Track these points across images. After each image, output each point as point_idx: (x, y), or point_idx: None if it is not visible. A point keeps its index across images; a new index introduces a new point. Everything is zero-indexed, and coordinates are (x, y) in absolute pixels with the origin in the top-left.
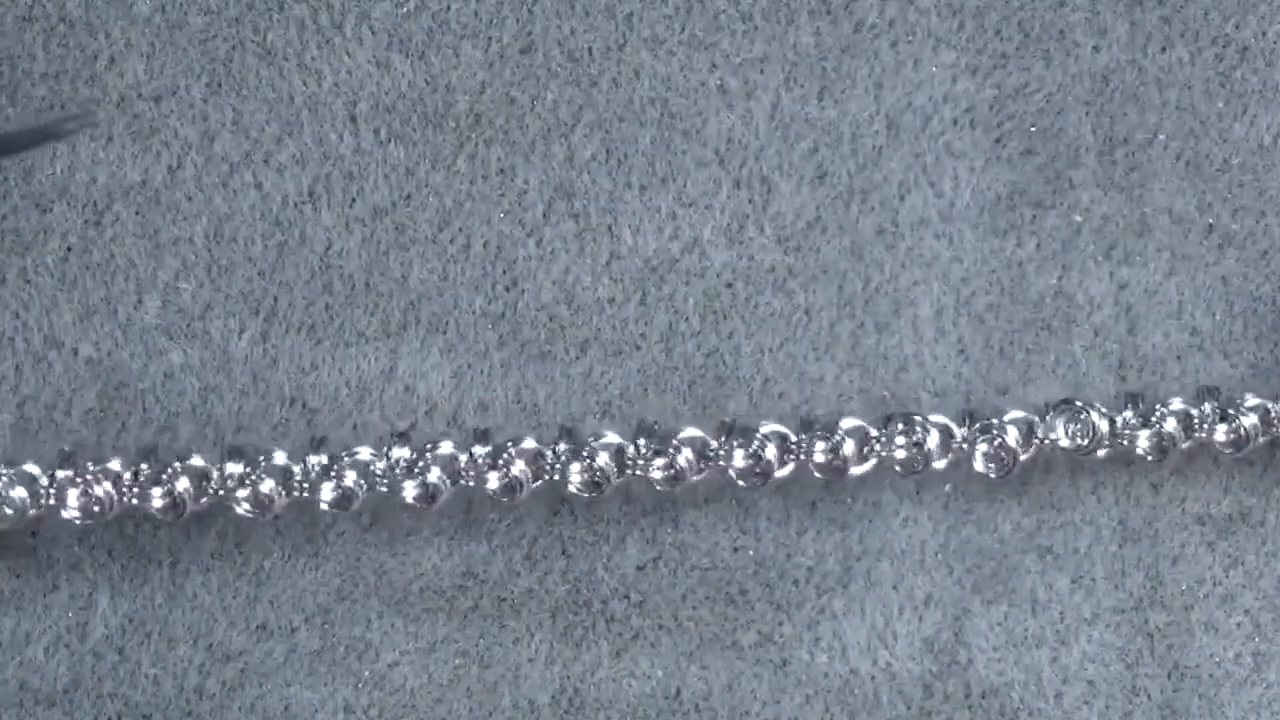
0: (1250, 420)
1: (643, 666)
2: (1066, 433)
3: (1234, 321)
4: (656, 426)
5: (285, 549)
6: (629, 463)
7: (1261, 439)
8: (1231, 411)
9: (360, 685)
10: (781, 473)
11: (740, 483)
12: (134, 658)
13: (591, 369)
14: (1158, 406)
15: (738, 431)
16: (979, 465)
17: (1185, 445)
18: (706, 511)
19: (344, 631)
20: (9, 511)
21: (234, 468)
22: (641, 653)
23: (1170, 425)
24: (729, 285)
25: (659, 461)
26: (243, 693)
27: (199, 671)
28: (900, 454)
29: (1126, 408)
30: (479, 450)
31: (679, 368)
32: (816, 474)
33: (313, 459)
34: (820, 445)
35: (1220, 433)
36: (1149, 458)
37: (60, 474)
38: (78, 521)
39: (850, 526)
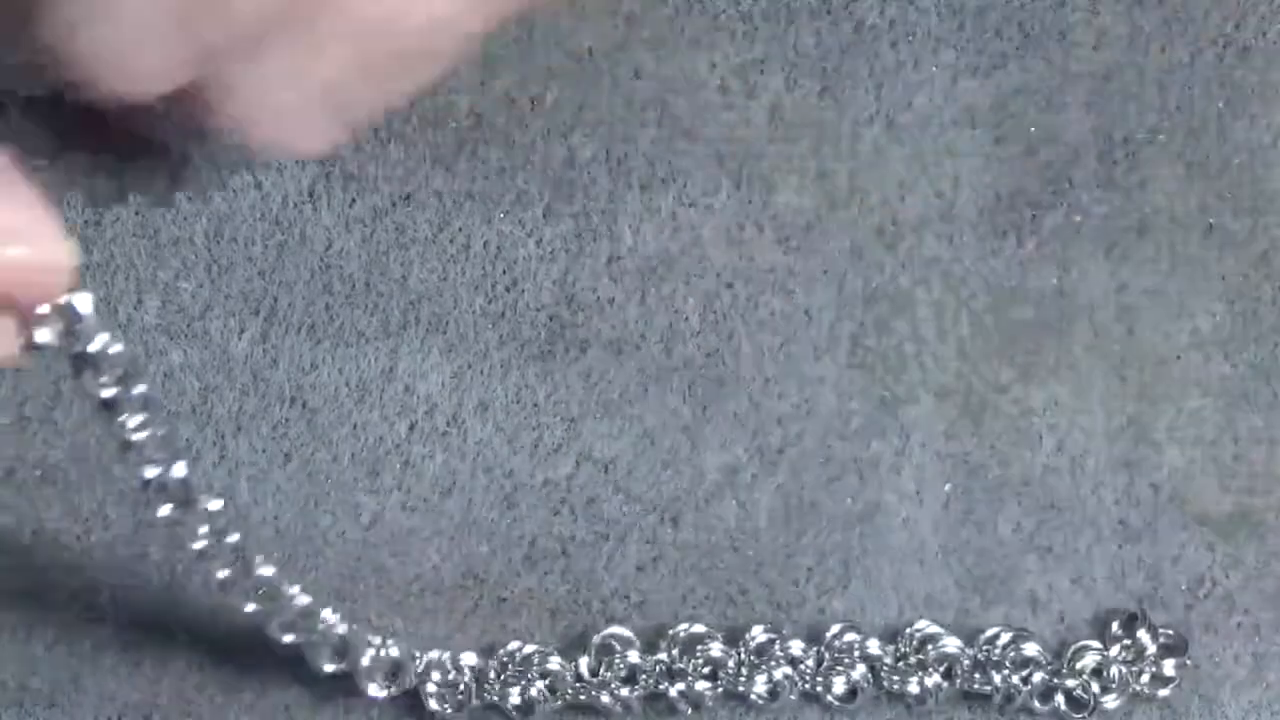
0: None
1: None
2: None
3: (1234, 321)
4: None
5: (285, 549)
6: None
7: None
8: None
9: None
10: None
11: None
12: (134, 658)
13: (591, 369)
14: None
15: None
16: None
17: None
18: (706, 512)
19: None
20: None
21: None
22: None
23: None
24: (729, 285)
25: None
26: (243, 693)
27: (199, 671)
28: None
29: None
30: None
31: (679, 368)
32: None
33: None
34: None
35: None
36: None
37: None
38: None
39: (850, 526)
